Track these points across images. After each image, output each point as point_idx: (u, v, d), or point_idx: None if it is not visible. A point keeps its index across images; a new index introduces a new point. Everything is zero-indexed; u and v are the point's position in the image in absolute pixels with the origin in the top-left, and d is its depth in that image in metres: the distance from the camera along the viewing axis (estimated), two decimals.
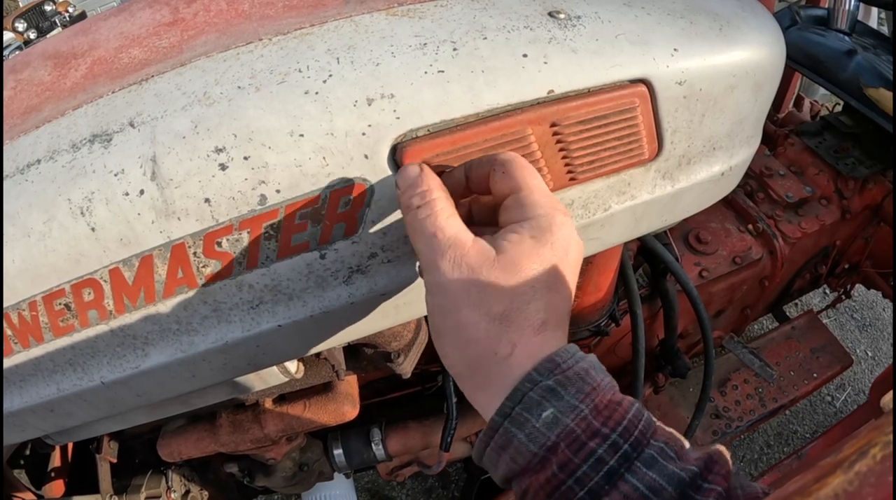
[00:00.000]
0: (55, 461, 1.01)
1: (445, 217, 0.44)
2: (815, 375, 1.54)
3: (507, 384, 0.40)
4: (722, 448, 0.39)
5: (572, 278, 0.45)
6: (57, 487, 1.01)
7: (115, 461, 1.00)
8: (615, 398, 0.40)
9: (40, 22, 4.02)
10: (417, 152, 0.49)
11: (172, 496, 1.08)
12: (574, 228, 0.45)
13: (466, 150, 0.50)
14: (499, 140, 0.50)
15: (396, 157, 0.49)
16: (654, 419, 0.41)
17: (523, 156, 0.50)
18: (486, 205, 0.50)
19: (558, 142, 0.53)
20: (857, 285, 1.78)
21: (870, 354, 2.27)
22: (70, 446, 1.07)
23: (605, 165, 0.56)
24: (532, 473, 0.38)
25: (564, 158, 0.54)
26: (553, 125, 0.52)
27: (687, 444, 0.40)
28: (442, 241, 0.43)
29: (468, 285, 0.42)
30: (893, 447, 0.23)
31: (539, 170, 0.53)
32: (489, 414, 0.41)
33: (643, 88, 0.54)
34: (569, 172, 0.55)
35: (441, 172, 0.50)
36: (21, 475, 0.97)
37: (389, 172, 0.50)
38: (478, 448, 0.41)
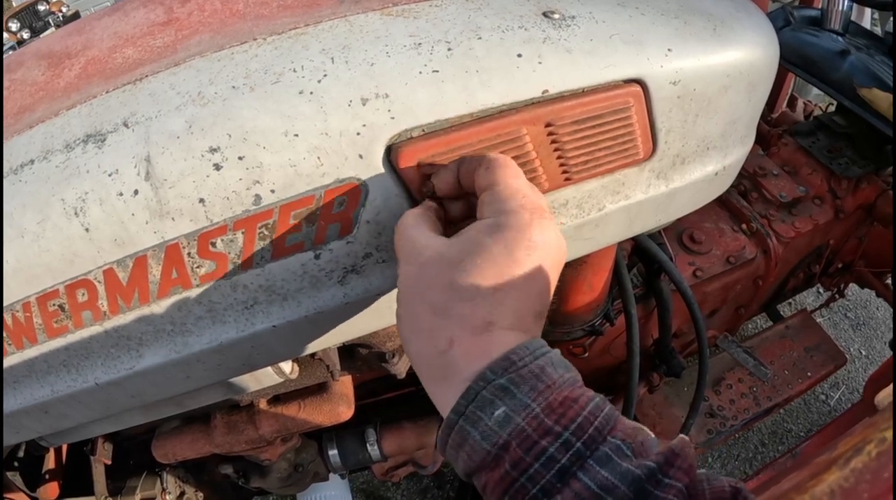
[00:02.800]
0: (49, 462, 1.01)
1: (421, 225, 0.47)
2: (809, 373, 1.55)
3: (454, 385, 0.41)
4: (686, 440, 0.39)
5: (538, 279, 0.43)
6: (51, 489, 1.00)
7: (109, 462, 1.00)
8: (571, 395, 0.39)
9: (34, 22, 4.00)
10: (412, 153, 0.49)
11: (167, 497, 1.07)
12: (550, 229, 0.44)
13: (461, 150, 0.50)
14: (494, 140, 0.50)
15: (391, 158, 0.49)
16: (618, 413, 0.40)
17: (518, 156, 0.51)
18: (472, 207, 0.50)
19: (553, 142, 0.53)
20: (850, 285, 1.79)
21: (864, 352, 2.28)
22: (64, 447, 1.06)
23: (600, 164, 0.56)
24: (488, 470, 0.39)
25: (559, 158, 0.54)
26: (548, 125, 0.52)
27: (651, 436, 0.39)
28: (408, 246, 0.46)
29: (417, 278, 0.44)
30: (894, 441, 0.23)
31: (534, 170, 0.53)
32: (444, 410, 0.41)
33: (637, 88, 0.54)
34: (564, 172, 0.55)
35: (434, 169, 0.50)
36: (15, 477, 0.96)
37: (384, 172, 0.50)
38: (439, 445, 0.42)
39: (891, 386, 1.03)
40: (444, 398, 0.42)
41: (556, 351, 0.43)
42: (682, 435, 0.40)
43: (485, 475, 0.39)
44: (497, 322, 0.42)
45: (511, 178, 0.45)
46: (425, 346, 0.43)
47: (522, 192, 0.44)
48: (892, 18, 1.44)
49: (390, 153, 0.49)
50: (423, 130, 0.49)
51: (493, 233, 0.42)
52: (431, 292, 0.43)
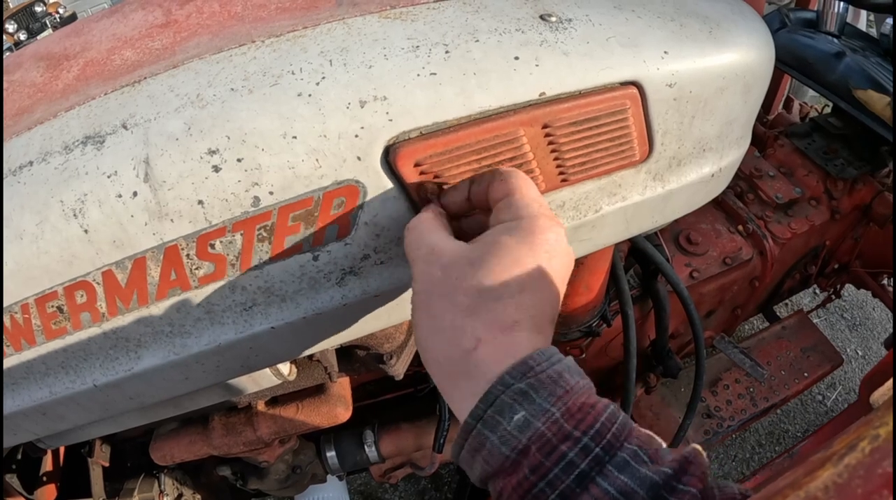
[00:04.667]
0: (47, 465, 1.01)
1: (434, 228, 0.47)
2: (805, 374, 1.56)
3: (478, 386, 0.41)
4: (698, 448, 0.39)
5: (556, 284, 0.44)
6: (49, 491, 1.00)
7: (107, 464, 1.00)
8: (589, 401, 0.40)
9: (30, 23, 4.00)
10: (410, 154, 0.49)
11: (165, 499, 1.07)
12: (564, 237, 0.45)
13: (459, 151, 0.50)
14: (491, 141, 0.51)
15: (389, 158, 0.49)
16: (631, 421, 0.41)
17: (515, 157, 0.51)
18: (482, 223, 0.51)
19: (550, 143, 0.53)
20: (846, 285, 1.80)
21: (860, 353, 2.29)
22: (62, 450, 1.06)
23: (597, 166, 0.57)
24: (505, 475, 0.38)
25: (556, 159, 0.54)
26: (545, 127, 0.52)
27: (664, 445, 0.40)
28: (424, 249, 0.46)
29: (442, 278, 0.44)
30: (894, 435, 0.24)
31: (531, 171, 0.53)
32: (462, 415, 0.41)
33: (634, 90, 0.54)
34: (560, 173, 0.55)
35: (443, 186, 0.51)
36: (13, 480, 0.96)
37: (382, 174, 0.50)
38: (454, 450, 0.42)
39: (885, 385, 1.03)
40: (464, 398, 0.41)
41: (570, 358, 0.43)
42: (694, 445, 0.40)
43: (502, 481, 0.39)
44: (521, 323, 0.42)
45: (526, 188, 0.46)
46: (449, 345, 0.42)
47: (538, 201, 0.46)
48: (887, 20, 1.44)
49: (388, 155, 0.50)
50: (421, 132, 0.50)
51: (516, 235, 0.43)
52: (457, 292, 0.43)
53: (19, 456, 0.99)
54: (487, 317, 0.42)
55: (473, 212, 0.51)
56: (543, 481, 0.37)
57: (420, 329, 0.45)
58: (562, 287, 0.45)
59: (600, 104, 0.53)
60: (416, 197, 0.51)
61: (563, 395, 0.39)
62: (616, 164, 0.58)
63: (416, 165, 0.50)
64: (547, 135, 0.52)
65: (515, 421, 0.38)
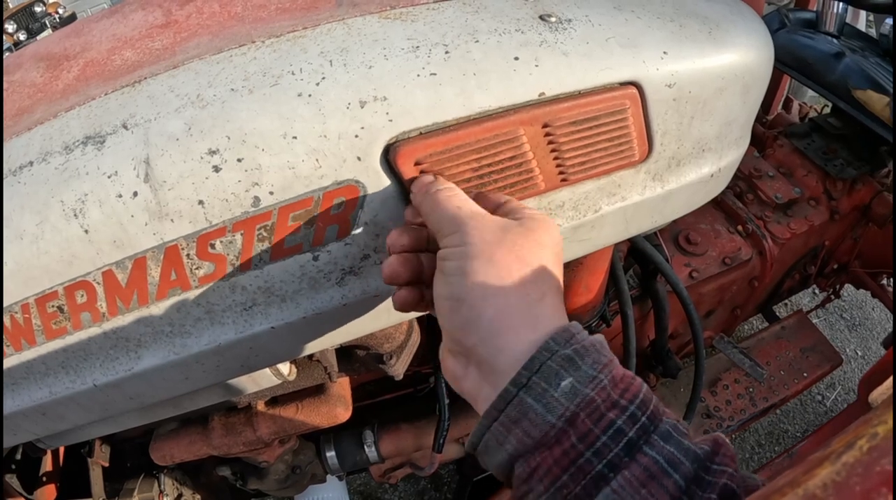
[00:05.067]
0: (47, 465, 1.01)
1: (464, 197, 0.48)
2: (805, 374, 1.56)
3: (536, 335, 0.40)
4: (722, 436, 0.39)
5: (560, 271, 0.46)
6: (49, 491, 1.00)
7: (107, 464, 1.00)
8: (627, 373, 0.40)
9: (30, 23, 4.00)
10: (411, 152, 0.49)
11: (165, 499, 1.07)
12: (558, 231, 0.48)
13: (459, 150, 0.50)
14: (491, 140, 0.51)
15: (390, 157, 0.50)
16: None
17: (515, 156, 0.52)
18: None
19: (550, 143, 0.53)
20: (846, 285, 1.80)
21: (859, 353, 2.29)
22: (62, 450, 1.06)
23: (597, 166, 0.57)
24: (545, 448, 0.37)
25: (556, 158, 0.54)
26: (545, 126, 0.52)
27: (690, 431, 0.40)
28: (466, 211, 0.45)
29: (498, 237, 0.43)
30: (894, 430, 0.24)
31: (531, 171, 0.53)
32: (506, 371, 0.40)
33: (633, 91, 0.54)
34: (560, 172, 0.55)
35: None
36: (12, 480, 0.96)
37: (382, 174, 0.50)
38: (480, 428, 0.40)
39: (884, 384, 1.03)
40: (517, 348, 0.40)
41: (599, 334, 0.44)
42: (717, 433, 0.40)
43: (539, 456, 0.37)
44: (559, 292, 0.44)
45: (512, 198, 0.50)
46: (516, 296, 0.41)
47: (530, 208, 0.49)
48: (886, 21, 1.45)
49: (388, 153, 0.50)
50: (421, 133, 0.50)
51: (538, 221, 0.46)
52: (522, 249, 0.43)
53: (19, 456, 0.99)
54: (550, 276, 0.43)
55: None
56: (591, 449, 0.36)
57: (485, 279, 0.42)
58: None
59: (600, 104, 0.53)
60: None
61: (607, 363, 0.39)
62: (615, 164, 0.58)
63: (417, 163, 0.50)
64: (547, 134, 0.53)
65: (563, 388, 0.37)
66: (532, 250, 0.43)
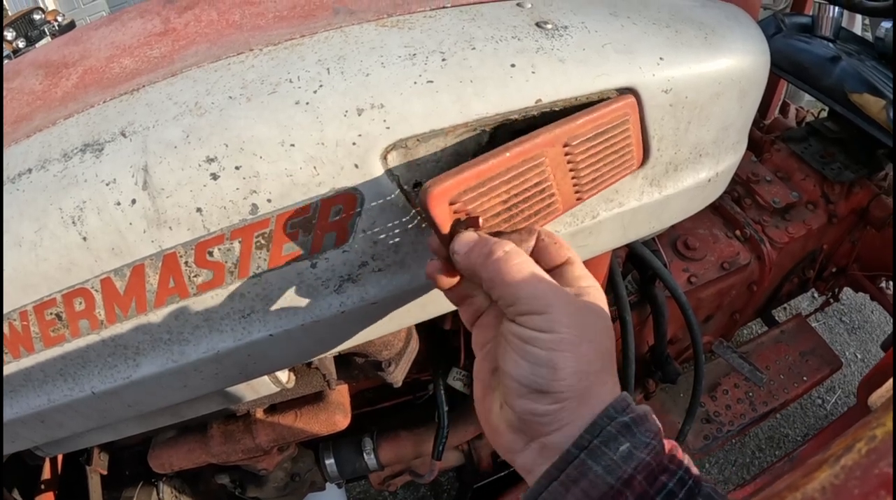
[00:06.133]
0: (45, 473, 1.00)
1: (535, 265, 0.46)
2: (804, 378, 1.56)
3: (597, 405, 0.43)
4: None
5: None
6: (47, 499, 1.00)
7: (105, 472, 0.99)
8: (671, 441, 0.43)
9: (29, 31, 4.00)
10: (443, 193, 0.46)
11: None
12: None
13: (491, 182, 0.47)
14: (520, 167, 0.48)
15: (420, 198, 0.46)
16: None
17: (540, 181, 0.50)
18: None
19: (569, 162, 0.51)
20: (845, 288, 1.80)
21: (859, 356, 2.29)
22: (60, 458, 1.06)
23: (605, 179, 0.56)
24: None
25: (574, 177, 0.53)
26: (565, 145, 0.50)
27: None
28: (546, 289, 0.44)
29: (580, 323, 0.44)
30: (894, 432, 0.24)
31: (552, 195, 0.52)
32: (564, 440, 0.42)
33: (633, 99, 0.54)
34: (576, 191, 0.54)
35: (479, 219, 0.49)
36: (11, 488, 0.96)
37: (380, 182, 0.50)
38: (537, 487, 0.42)
39: (883, 387, 1.03)
40: (579, 423, 0.42)
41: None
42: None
43: None
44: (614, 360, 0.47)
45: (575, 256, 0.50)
46: (593, 384, 0.44)
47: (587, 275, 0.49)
48: (882, 24, 1.45)
49: (420, 194, 0.46)
50: (418, 140, 0.50)
51: (595, 292, 0.48)
52: (597, 334, 0.45)
53: (18, 464, 0.99)
54: (610, 360, 0.46)
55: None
56: None
57: (566, 375, 0.43)
58: None
59: (609, 115, 0.52)
60: (446, 233, 0.47)
61: (657, 432, 0.42)
62: (620, 174, 0.57)
63: (451, 203, 0.46)
64: (567, 153, 0.51)
65: (621, 452, 0.40)
66: (601, 332, 0.45)
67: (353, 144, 0.49)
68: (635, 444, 0.40)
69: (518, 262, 0.45)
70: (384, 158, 0.50)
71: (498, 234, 0.49)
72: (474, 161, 0.47)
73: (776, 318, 1.84)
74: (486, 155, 0.47)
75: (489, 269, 0.45)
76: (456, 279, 0.50)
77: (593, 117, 0.51)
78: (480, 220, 0.48)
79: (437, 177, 0.46)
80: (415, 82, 0.50)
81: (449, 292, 0.51)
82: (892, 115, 1.27)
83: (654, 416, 0.44)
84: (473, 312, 0.51)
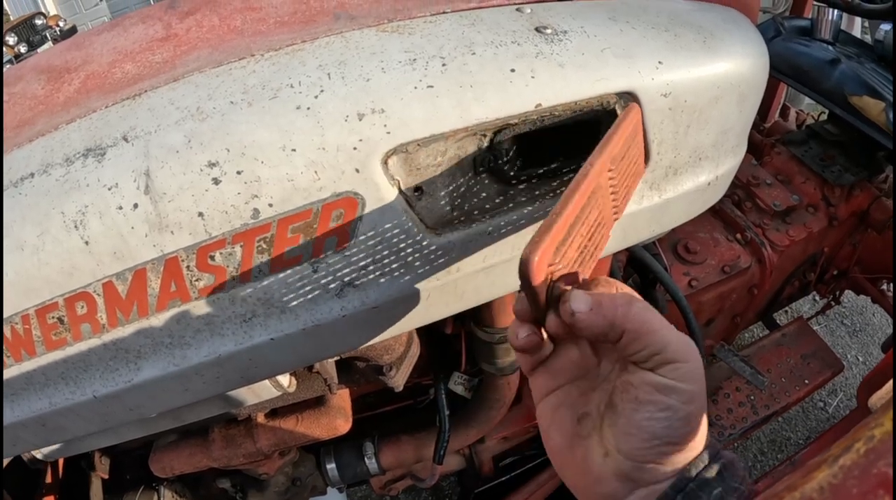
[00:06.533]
0: (46, 477, 1.01)
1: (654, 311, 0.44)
2: (806, 381, 1.55)
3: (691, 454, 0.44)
4: None
5: None
6: None
7: (106, 476, 0.99)
8: (753, 487, 0.44)
9: (31, 36, 4.02)
10: (543, 259, 0.41)
11: None
12: None
13: (575, 228, 0.44)
14: (588, 204, 0.46)
15: (521, 271, 0.40)
16: None
17: (600, 214, 0.48)
18: None
19: (612, 185, 0.50)
20: (846, 291, 1.80)
21: (860, 359, 2.29)
22: (61, 462, 1.06)
23: (630, 190, 0.55)
24: None
25: (614, 197, 0.51)
26: (610, 170, 0.49)
27: None
28: (683, 338, 0.44)
29: (702, 373, 0.45)
30: (894, 434, 0.24)
31: (605, 226, 0.50)
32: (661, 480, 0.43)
33: (638, 107, 0.54)
34: (615, 210, 0.52)
35: (573, 275, 0.45)
36: (12, 492, 0.96)
37: (381, 186, 0.50)
38: None
39: (884, 388, 1.03)
40: (678, 466, 0.44)
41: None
42: None
43: None
44: None
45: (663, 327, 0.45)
46: (697, 431, 0.45)
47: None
48: (881, 26, 1.45)
49: (522, 266, 0.40)
50: (419, 145, 0.50)
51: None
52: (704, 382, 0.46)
53: (19, 468, 0.99)
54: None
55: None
56: None
57: (694, 427, 0.44)
58: None
59: (630, 128, 0.51)
60: (544, 298, 0.43)
61: (743, 478, 0.44)
62: (637, 181, 0.56)
63: (550, 265, 0.42)
64: (611, 178, 0.49)
65: (714, 495, 0.42)
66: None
67: (354, 148, 0.49)
68: (726, 489, 0.42)
69: (652, 312, 0.43)
70: (385, 162, 0.50)
71: (585, 284, 0.46)
72: (554, 213, 0.43)
73: (777, 321, 1.83)
74: (561, 203, 0.43)
75: (634, 319, 0.42)
76: (548, 342, 0.46)
77: (621, 133, 0.49)
78: (578, 274, 0.45)
79: (529, 244, 0.40)
80: (415, 87, 0.50)
81: (532, 350, 0.46)
82: (891, 117, 1.27)
83: (740, 461, 0.45)
84: (536, 359, 0.47)
